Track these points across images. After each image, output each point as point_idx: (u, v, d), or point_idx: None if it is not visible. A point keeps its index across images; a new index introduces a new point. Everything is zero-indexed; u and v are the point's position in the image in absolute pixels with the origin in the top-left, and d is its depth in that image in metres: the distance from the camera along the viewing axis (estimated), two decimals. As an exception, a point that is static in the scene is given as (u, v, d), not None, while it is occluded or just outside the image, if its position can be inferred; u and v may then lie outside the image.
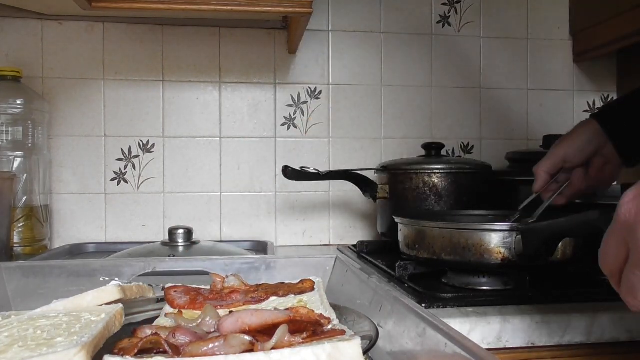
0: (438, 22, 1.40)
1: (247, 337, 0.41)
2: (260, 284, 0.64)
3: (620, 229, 0.43)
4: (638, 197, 0.42)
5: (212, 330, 0.47)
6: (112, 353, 0.40)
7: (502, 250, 0.75)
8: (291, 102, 1.34)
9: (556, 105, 1.46)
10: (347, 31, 1.36)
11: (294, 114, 1.34)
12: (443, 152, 1.18)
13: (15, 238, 1.09)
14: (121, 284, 0.54)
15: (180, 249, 1.02)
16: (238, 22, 1.30)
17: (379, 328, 0.48)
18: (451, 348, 0.37)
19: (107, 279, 0.67)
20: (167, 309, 0.56)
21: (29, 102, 1.12)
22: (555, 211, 0.82)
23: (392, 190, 1.13)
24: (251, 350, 0.40)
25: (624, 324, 0.70)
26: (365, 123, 1.37)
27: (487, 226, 0.77)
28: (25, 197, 1.11)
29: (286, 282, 0.65)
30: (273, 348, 0.40)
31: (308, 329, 0.44)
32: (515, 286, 0.78)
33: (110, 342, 0.44)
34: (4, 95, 1.10)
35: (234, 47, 1.32)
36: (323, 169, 1.15)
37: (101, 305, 0.52)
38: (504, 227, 0.76)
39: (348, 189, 1.28)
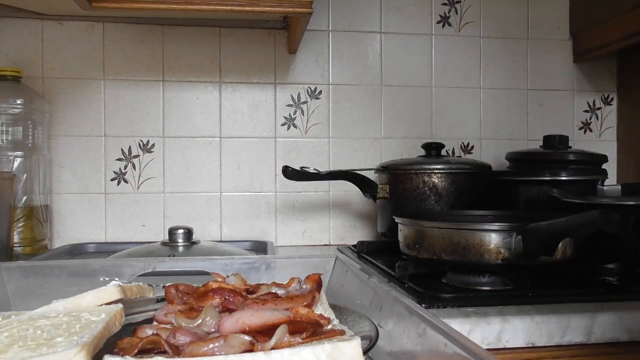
0: (438, 22, 1.40)
1: (247, 337, 0.41)
2: (260, 284, 0.64)
3: None
4: None
5: (212, 330, 0.47)
6: (112, 353, 0.40)
7: (502, 250, 0.75)
8: (291, 102, 1.34)
9: (556, 105, 1.46)
10: (347, 31, 1.36)
11: (294, 114, 1.34)
12: (443, 152, 1.18)
13: (15, 238, 1.09)
14: (121, 284, 0.54)
15: (180, 249, 1.02)
16: (238, 22, 1.30)
17: (379, 328, 0.48)
18: (451, 348, 0.37)
19: (107, 279, 0.67)
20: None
21: (29, 102, 1.12)
22: (555, 211, 0.82)
23: (392, 190, 1.13)
24: (251, 350, 0.40)
25: (624, 324, 0.70)
26: (365, 123, 1.37)
27: (487, 226, 0.77)
28: (25, 197, 1.11)
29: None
30: (273, 348, 0.40)
31: (308, 329, 0.44)
32: (515, 286, 0.78)
33: (110, 342, 0.44)
34: (4, 95, 1.10)
35: (234, 47, 1.32)
36: (323, 169, 1.15)
37: (101, 305, 0.52)
38: (504, 227, 0.76)
39: (348, 189, 1.28)
